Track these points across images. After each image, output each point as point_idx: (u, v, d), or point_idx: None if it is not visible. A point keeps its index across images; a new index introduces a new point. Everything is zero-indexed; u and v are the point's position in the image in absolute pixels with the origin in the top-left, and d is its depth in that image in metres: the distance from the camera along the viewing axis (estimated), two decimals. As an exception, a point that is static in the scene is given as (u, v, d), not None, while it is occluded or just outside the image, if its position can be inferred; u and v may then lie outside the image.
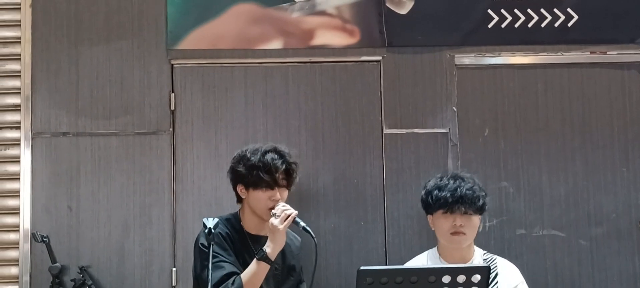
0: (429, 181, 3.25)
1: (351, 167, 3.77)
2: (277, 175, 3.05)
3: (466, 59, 3.82)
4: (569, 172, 3.79)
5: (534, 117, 3.82)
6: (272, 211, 3.00)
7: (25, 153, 3.72)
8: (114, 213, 3.70)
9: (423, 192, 3.24)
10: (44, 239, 3.60)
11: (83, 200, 3.70)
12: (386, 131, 3.78)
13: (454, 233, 3.12)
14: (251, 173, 3.04)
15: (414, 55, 3.81)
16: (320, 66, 3.81)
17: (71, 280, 3.63)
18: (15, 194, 3.71)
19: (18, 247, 3.69)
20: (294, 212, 2.98)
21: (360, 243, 3.74)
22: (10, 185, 3.73)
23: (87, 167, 3.72)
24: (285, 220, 2.95)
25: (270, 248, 2.96)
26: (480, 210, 3.16)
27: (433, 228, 3.23)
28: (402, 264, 3.35)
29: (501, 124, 3.81)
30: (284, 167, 3.06)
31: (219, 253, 2.98)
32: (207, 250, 2.86)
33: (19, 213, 3.70)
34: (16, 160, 3.72)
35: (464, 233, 3.12)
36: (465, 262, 3.17)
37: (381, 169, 3.77)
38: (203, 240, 2.98)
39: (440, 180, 3.19)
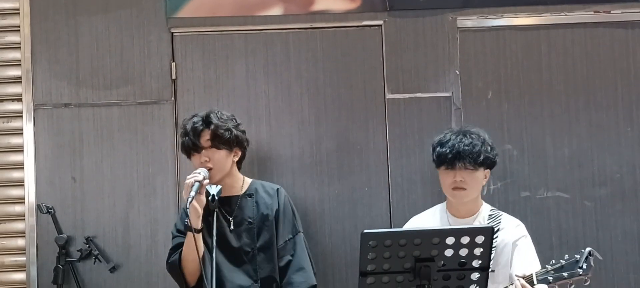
0: (438, 136, 3.29)
1: (354, 133, 3.76)
2: (200, 139, 3.15)
3: (468, 21, 3.79)
4: (573, 133, 3.77)
5: (537, 79, 3.79)
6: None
7: (27, 125, 3.72)
8: (118, 183, 3.71)
9: (432, 147, 3.29)
10: (50, 210, 3.62)
11: (87, 170, 3.71)
12: (388, 96, 3.76)
13: (455, 188, 3.15)
14: (183, 141, 3.23)
15: (416, 19, 3.77)
16: (321, 32, 3.79)
17: (77, 251, 3.64)
18: (20, 166, 3.72)
19: (24, 219, 3.70)
20: (190, 180, 3.01)
21: (365, 209, 3.74)
22: (14, 158, 3.73)
23: (90, 137, 3.72)
24: (189, 190, 2.99)
25: (190, 218, 3.01)
26: (482, 164, 3.17)
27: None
28: (407, 228, 3.36)
29: (504, 86, 3.79)
30: (202, 127, 3.16)
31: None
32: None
33: (23, 185, 3.71)
34: (19, 132, 3.72)
35: (464, 189, 3.14)
36: (472, 215, 3.21)
37: (384, 134, 3.76)
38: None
39: (444, 136, 3.23)
